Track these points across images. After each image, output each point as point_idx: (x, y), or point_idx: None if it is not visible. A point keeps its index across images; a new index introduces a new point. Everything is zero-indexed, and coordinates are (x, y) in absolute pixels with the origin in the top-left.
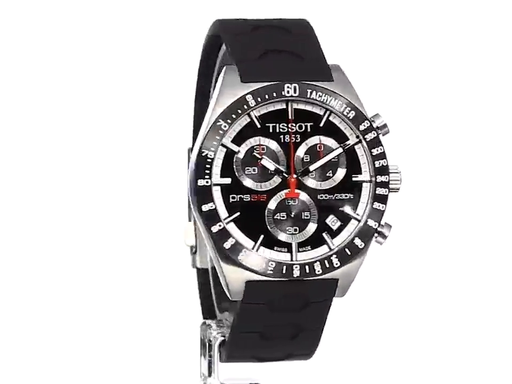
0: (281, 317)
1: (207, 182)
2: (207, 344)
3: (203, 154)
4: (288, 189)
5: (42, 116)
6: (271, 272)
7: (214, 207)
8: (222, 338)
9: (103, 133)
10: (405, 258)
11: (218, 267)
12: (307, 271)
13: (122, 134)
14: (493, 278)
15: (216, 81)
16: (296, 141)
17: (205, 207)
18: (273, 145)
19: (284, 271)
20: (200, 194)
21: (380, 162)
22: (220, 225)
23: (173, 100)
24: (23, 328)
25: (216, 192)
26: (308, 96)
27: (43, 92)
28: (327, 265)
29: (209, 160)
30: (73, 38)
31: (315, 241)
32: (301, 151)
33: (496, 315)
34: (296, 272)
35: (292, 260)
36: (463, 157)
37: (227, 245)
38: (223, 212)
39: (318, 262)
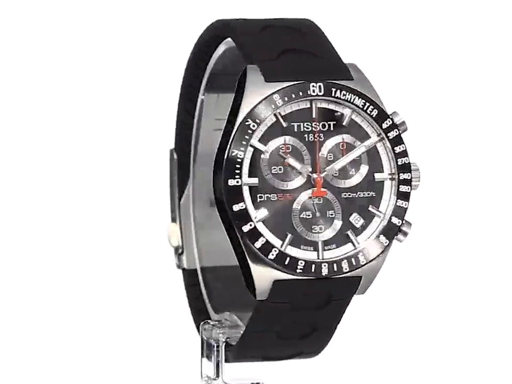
0: (301, 316)
1: (237, 182)
2: (214, 345)
3: (233, 154)
4: (314, 188)
5: (25, 114)
6: (301, 271)
7: (244, 207)
8: (227, 339)
9: (83, 133)
10: (410, 256)
11: (245, 267)
12: (335, 269)
13: (103, 135)
14: (499, 277)
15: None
16: (320, 139)
17: (236, 207)
18: (298, 144)
19: (313, 270)
20: (231, 194)
21: (402, 160)
22: (250, 225)
23: (153, 100)
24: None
25: (246, 192)
26: (333, 95)
27: (24, 90)
28: (354, 263)
29: (239, 160)
30: (56, 37)
31: (340, 239)
32: (324, 150)
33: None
34: (325, 271)
35: (318, 258)
36: (466, 155)
37: (258, 244)
38: (252, 212)
39: (345, 260)
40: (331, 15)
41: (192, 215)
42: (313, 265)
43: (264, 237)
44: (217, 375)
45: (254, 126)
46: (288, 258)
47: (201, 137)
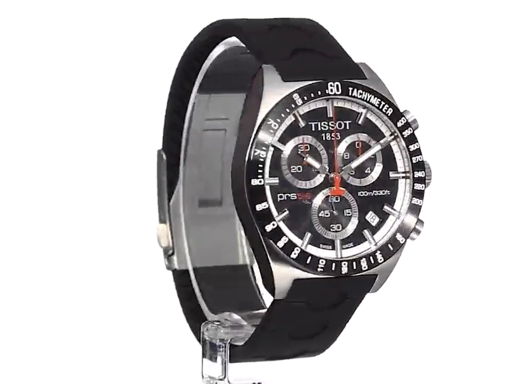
0: (315, 315)
1: (260, 181)
2: (221, 345)
3: (255, 154)
4: (332, 187)
5: (11, 115)
6: (321, 269)
7: (267, 207)
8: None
9: (69, 133)
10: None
11: (265, 266)
12: (354, 267)
13: (90, 136)
14: (502, 276)
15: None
16: (337, 138)
17: (259, 207)
18: (316, 143)
19: (333, 268)
20: (254, 194)
21: (416, 158)
22: (273, 224)
23: (140, 100)
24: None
25: (267, 192)
26: (350, 94)
27: (10, 92)
28: (372, 261)
29: (261, 159)
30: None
31: (357, 237)
32: (341, 149)
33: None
34: (344, 269)
35: (337, 257)
36: (467, 154)
37: (280, 243)
38: (274, 211)
39: (364, 258)
40: (321, 15)
41: (182, 215)
42: (334, 264)
43: (286, 236)
44: (224, 376)
45: (275, 125)
46: (309, 257)
47: (190, 137)
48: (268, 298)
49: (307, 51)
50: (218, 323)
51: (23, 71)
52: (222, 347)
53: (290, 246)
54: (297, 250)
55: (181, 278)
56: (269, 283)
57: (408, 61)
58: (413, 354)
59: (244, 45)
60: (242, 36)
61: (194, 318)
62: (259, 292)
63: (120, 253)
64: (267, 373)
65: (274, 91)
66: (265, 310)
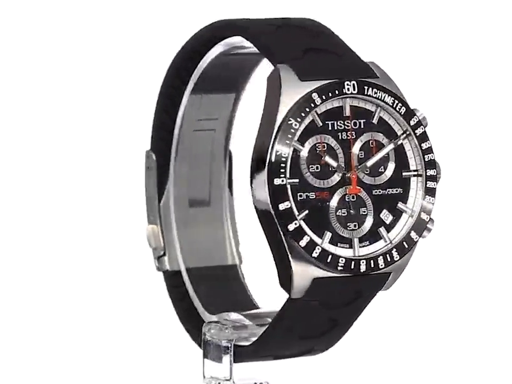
0: (327, 313)
1: (282, 181)
2: (228, 345)
3: (278, 154)
4: (349, 186)
5: None
6: (341, 268)
7: (289, 206)
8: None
9: (56, 133)
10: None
11: (284, 266)
12: (372, 265)
13: (77, 136)
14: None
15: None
16: (352, 137)
17: (282, 206)
18: (333, 142)
19: (352, 267)
20: (277, 193)
21: (428, 156)
22: (295, 224)
23: (127, 100)
24: None
25: (289, 191)
26: (365, 93)
27: None
28: (389, 259)
29: (283, 159)
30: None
31: (373, 236)
32: (356, 148)
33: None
34: (363, 267)
35: (354, 255)
36: (467, 153)
37: (302, 243)
38: (295, 211)
39: (381, 256)
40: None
41: (173, 216)
42: (353, 262)
43: (308, 236)
44: (230, 376)
45: (296, 125)
46: (329, 256)
47: (182, 137)
48: (258, 298)
49: (318, 50)
50: (220, 323)
51: (9, 70)
52: (228, 347)
53: (311, 245)
54: (318, 249)
55: (172, 278)
56: (286, 282)
57: (405, 60)
58: (415, 354)
59: (251, 45)
60: (250, 36)
61: (189, 319)
62: (249, 291)
63: (109, 254)
64: (270, 372)
65: (292, 90)
66: (259, 309)
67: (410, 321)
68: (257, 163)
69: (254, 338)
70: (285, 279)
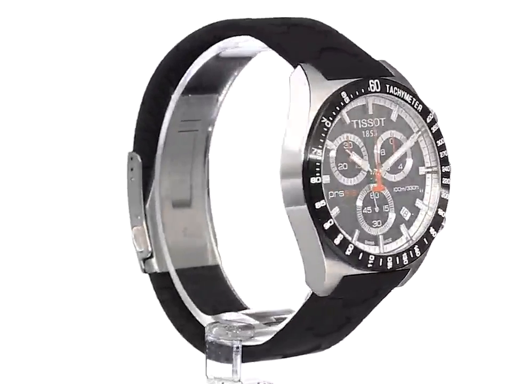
0: (345, 311)
1: (318, 179)
2: (238, 345)
3: (313, 152)
4: (374, 183)
5: None
6: (371, 265)
7: (325, 204)
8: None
9: (40, 134)
10: None
11: (315, 264)
12: (397, 262)
13: (60, 138)
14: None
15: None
16: (375, 135)
17: (318, 205)
18: (357, 140)
19: (380, 264)
20: (314, 192)
21: (443, 153)
22: (330, 222)
23: (110, 102)
24: None
25: (323, 190)
26: (387, 91)
27: None
28: (412, 256)
29: (318, 158)
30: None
31: (395, 233)
32: (378, 146)
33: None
34: (390, 264)
35: (380, 252)
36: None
37: (337, 241)
38: (329, 209)
39: (405, 253)
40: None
41: (159, 217)
42: (381, 260)
43: (342, 234)
44: (238, 377)
45: (328, 123)
46: (361, 254)
47: (166, 138)
48: (245, 298)
49: (333, 50)
50: (223, 324)
51: None
52: (237, 347)
53: (345, 243)
54: (351, 247)
55: (161, 280)
56: (316, 280)
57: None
58: (416, 354)
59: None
60: (261, 36)
61: (181, 319)
62: (234, 291)
63: (93, 255)
64: (271, 372)
65: (321, 89)
66: (262, 308)
67: (411, 320)
68: (291, 162)
69: (261, 337)
70: (314, 277)
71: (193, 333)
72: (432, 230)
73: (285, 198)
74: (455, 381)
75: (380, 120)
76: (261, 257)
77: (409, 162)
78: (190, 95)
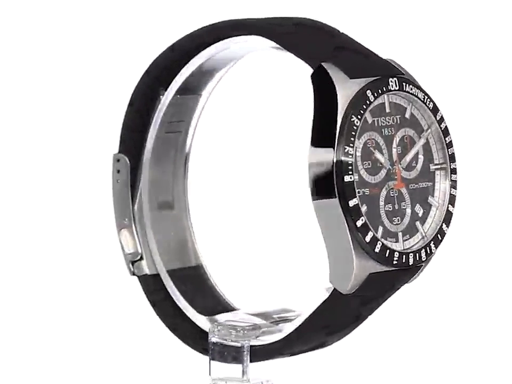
0: (359, 308)
1: (350, 178)
2: (245, 345)
3: (346, 151)
4: (394, 181)
5: None
6: (396, 262)
7: (357, 202)
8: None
9: (24, 136)
10: None
11: (344, 262)
12: (417, 258)
13: (45, 140)
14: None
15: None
16: (393, 133)
17: (351, 203)
18: (378, 138)
19: (404, 260)
20: (348, 190)
21: (450, 150)
22: (362, 219)
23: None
24: None
25: (355, 188)
26: (404, 89)
27: None
28: (428, 252)
29: (350, 156)
30: None
31: (411, 229)
32: (395, 144)
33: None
34: (411, 261)
35: (402, 249)
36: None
37: (367, 238)
38: (361, 206)
39: (423, 249)
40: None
41: (148, 219)
42: (404, 256)
43: (371, 231)
44: (247, 376)
45: (357, 122)
46: (387, 251)
47: (155, 140)
48: (230, 298)
49: (344, 49)
50: (227, 324)
51: None
52: (244, 347)
53: (374, 240)
54: (380, 244)
55: (152, 282)
56: (341, 278)
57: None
58: (417, 353)
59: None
60: (270, 35)
61: (176, 320)
62: (219, 291)
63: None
64: (273, 371)
65: (345, 88)
66: (267, 307)
67: (411, 320)
68: (322, 161)
69: (266, 337)
70: (340, 275)
71: (188, 333)
72: (444, 226)
73: (315, 196)
74: (455, 381)
75: (396, 118)
76: (244, 256)
77: (421, 159)
78: (178, 96)
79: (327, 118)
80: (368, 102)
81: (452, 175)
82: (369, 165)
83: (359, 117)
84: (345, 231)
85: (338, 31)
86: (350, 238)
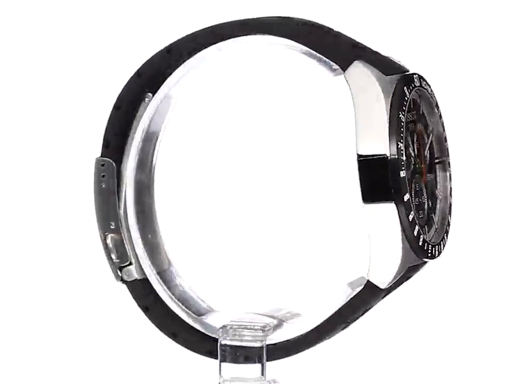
0: (377, 302)
1: (403, 173)
2: (265, 345)
3: (399, 146)
4: (419, 175)
5: None
6: (430, 254)
7: (409, 197)
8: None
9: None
10: None
11: (392, 255)
12: (440, 250)
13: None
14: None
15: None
16: (414, 128)
17: (406, 197)
18: (407, 133)
19: (433, 252)
20: (404, 185)
21: (446, 145)
22: (411, 214)
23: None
24: None
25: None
26: (420, 85)
27: None
28: (444, 243)
29: (402, 151)
30: None
31: (429, 222)
32: (415, 138)
33: None
34: (437, 252)
35: (431, 241)
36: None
37: (415, 231)
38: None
39: (442, 241)
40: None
41: (134, 223)
42: (434, 248)
43: (418, 225)
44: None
45: (403, 118)
46: (426, 244)
47: (141, 144)
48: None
49: (360, 47)
50: (236, 325)
51: None
52: (265, 347)
53: (419, 233)
54: (422, 237)
55: (141, 287)
56: (383, 272)
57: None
58: (418, 353)
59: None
60: (283, 34)
61: (167, 321)
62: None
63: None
64: (275, 371)
65: (385, 85)
66: (272, 307)
67: (412, 320)
68: (375, 158)
69: (275, 336)
70: (383, 269)
71: (184, 335)
72: (449, 218)
73: (365, 194)
74: (455, 380)
75: (414, 114)
76: (217, 256)
77: (427, 153)
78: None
79: (373, 115)
80: (406, 98)
81: (449, 168)
82: (406, 160)
83: (403, 112)
84: (397, 225)
85: (333, 29)
86: (401, 231)
